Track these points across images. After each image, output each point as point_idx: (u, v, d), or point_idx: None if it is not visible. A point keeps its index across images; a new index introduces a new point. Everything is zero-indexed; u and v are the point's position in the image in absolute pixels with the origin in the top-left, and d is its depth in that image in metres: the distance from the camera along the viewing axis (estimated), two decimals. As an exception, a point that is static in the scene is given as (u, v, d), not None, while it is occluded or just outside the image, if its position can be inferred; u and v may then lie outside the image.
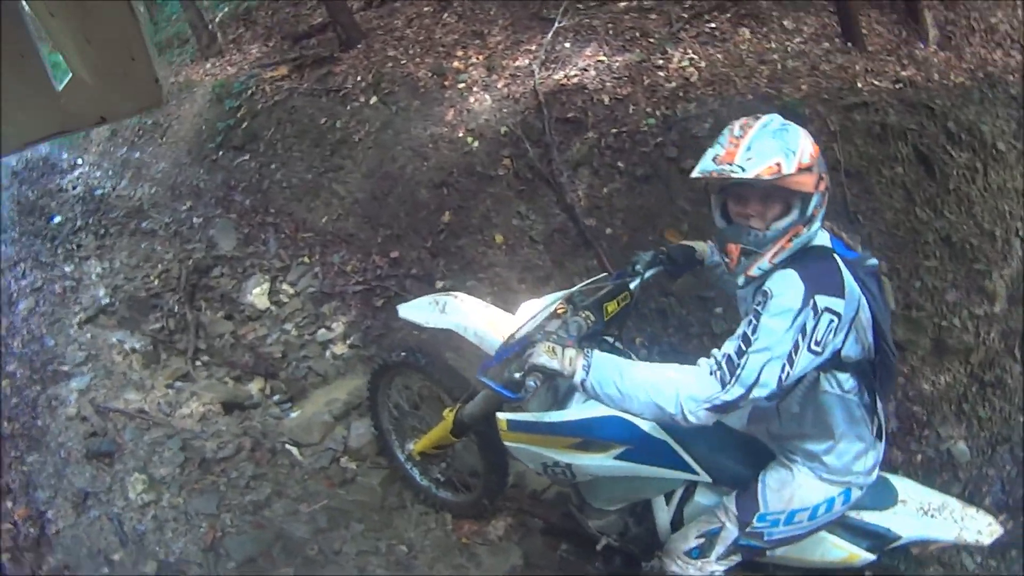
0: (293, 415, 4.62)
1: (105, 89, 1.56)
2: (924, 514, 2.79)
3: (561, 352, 2.37)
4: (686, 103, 5.01)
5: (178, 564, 3.51)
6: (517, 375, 2.39)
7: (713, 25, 5.87)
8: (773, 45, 5.64)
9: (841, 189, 4.51)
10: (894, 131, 4.65)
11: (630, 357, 2.80)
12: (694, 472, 2.80)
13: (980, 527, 2.78)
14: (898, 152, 4.62)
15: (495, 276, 4.86)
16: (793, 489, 2.58)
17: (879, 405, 2.50)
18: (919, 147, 4.61)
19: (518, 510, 3.83)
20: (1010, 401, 4.20)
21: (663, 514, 3.00)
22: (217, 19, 8.67)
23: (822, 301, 2.17)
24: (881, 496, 2.79)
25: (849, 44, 5.61)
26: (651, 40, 5.71)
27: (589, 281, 3.17)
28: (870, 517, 2.77)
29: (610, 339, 3.03)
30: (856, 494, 2.60)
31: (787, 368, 2.16)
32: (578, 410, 2.86)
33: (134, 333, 5.30)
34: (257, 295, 5.40)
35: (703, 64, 5.41)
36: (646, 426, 2.75)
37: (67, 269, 6.30)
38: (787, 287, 2.21)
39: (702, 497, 2.90)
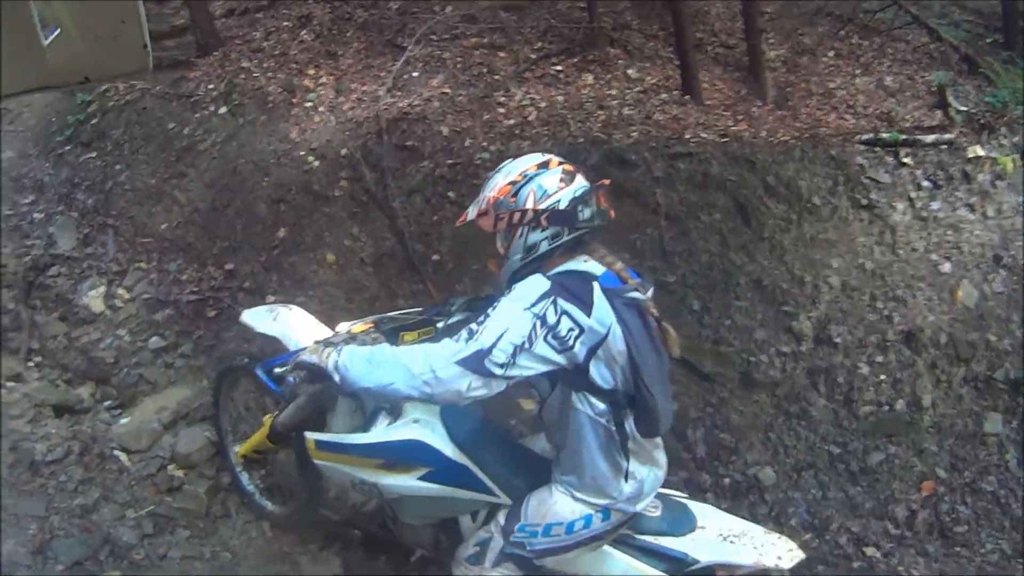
0: (123, 421, 4.67)
1: (93, 49, 1.54)
2: (723, 540, 2.85)
3: (322, 350, 2.66)
4: (520, 140, 5.26)
5: (6, 566, 3.52)
6: (281, 371, 2.72)
7: (559, 68, 6.16)
8: (614, 92, 5.92)
9: (659, 231, 4.85)
10: (715, 181, 4.94)
11: None
12: (494, 494, 2.94)
13: (780, 552, 2.83)
14: (717, 201, 4.93)
15: (325, 294, 5.01)
16: (550, 504, 2.73)
17: (638, 439, 2.63)
18: (738, 197, 4.91)
19: (338, 522, 3.96)
20: (815, 431, 4.46)
21: (470, 530, 3.12)
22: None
23: (563, 304, 2.40)
24: (679, 522, 2.88)
25: (687, 97, 5.90)
26: (496, 77, 5.98)
27: (405, 311, 3.42)
28: (667, 542, 2.84)
29: None
30: (617, 517, 2.72)
31: (525, 345, 2.38)
32: (381, 432, 3.02)
33: (-33, 328, 5.21)
34: (93, 298, 5.38)
35: (543, 104, 5.68)
36: (447, 450, 2.90)
37: (-103, 257, 6.11)
38: (532, 283, 2.48)
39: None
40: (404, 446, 2.94)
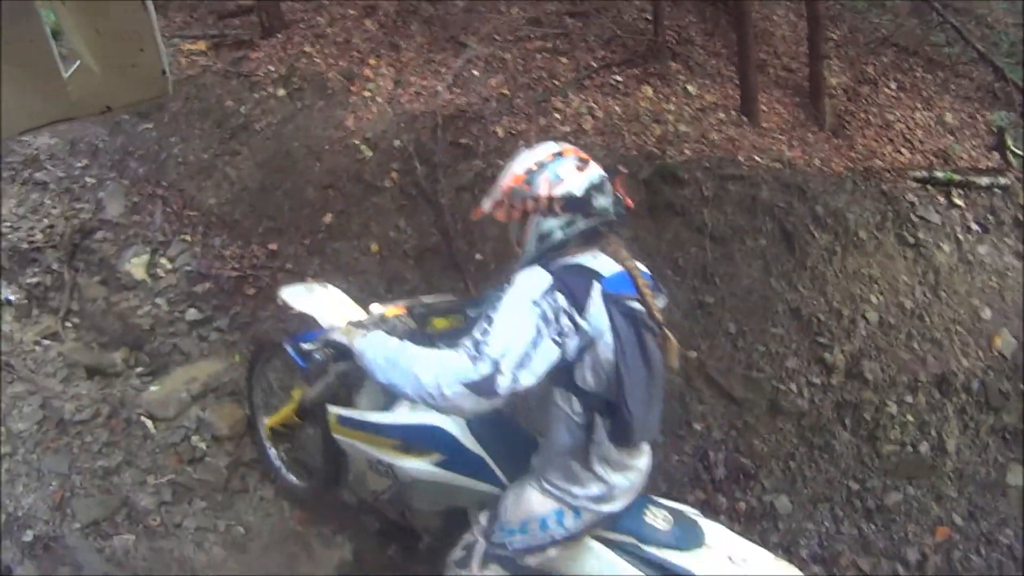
0: (153, 389, 4.69)
1: (112, 78, 1.51)
2: (730, 561, 2.74)
3: (352, 331, 2.66)
4: (574, 147, 5.22)
5: (25, 518, 3.62)
6: (309, 347, 2.71)
7: (619, 78, 6.07)
8: (672, 107, 5.85)
9: (703, 251, 4.81)
10: (764, 205, 4.90)
11: None
12: (504, 488, 2.90)
13: None
14: (764, 225, 4.89)
15: (365, 283, 4.99)
16: (523, 501, 2.71)
17: (608, 446, 2.57)
18: (785, 224, 4.86)
19: (354, 508, 3.96)
20: (835, 465, 4.43)
21: None
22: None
23: (560, 301, 2.33)
24: (686, 537, 2.78)
25: (744, 118, 5.84)
26: (556, 82, 5.93)
27: (439, 297, 3.42)
28: (671, 556, 2.73)
29: None
30: (589, 517, 2.66)
31: (531, 351, 2.28)
32: (402, 414, 3.07)
33: (11, 284, 5.25)
34: (135, 265, 5.41)
35: (600, 113, 5.64)
36: (465, 440, 2.93)
37: (-46, 210, 6.20)
38: (531, 276, 2.39)
39: None
40: (423, 430, 2.98)
